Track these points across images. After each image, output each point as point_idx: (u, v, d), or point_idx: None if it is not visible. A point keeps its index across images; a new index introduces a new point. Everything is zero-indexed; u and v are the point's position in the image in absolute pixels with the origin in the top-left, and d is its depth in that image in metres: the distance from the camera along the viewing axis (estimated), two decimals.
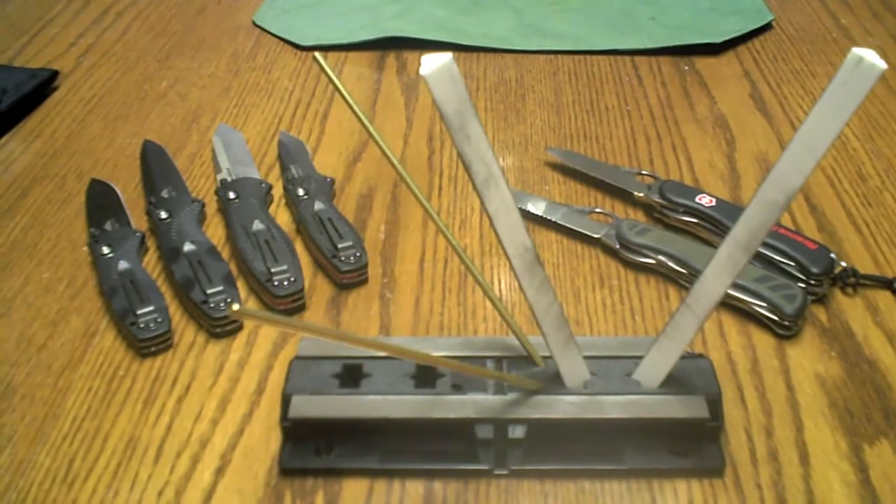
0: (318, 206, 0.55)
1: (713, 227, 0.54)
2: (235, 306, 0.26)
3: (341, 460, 0.41)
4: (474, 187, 0.35)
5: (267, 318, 0.29)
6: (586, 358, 0.41)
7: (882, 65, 0.31)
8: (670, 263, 0.51)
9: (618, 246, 0.53)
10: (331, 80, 0.39)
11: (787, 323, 0.47)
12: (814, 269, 0.49)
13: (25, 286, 0.53)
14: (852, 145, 0.64)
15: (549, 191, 0.60)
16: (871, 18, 0.83)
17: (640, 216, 0.57)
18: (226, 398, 0.45)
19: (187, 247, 0.52)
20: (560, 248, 0.55)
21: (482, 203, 0.35)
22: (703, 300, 0.38)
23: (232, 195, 0.56)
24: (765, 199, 0.35)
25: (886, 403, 0.44)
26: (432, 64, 0.32)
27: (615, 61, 0.76)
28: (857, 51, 0.32)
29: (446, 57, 0.32)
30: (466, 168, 0.35)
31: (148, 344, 0.47)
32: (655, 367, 0.41)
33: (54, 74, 0.74)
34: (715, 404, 0.41)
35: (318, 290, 0.52)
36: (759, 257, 0.51)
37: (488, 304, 0.50)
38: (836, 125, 0.33)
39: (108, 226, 0.55)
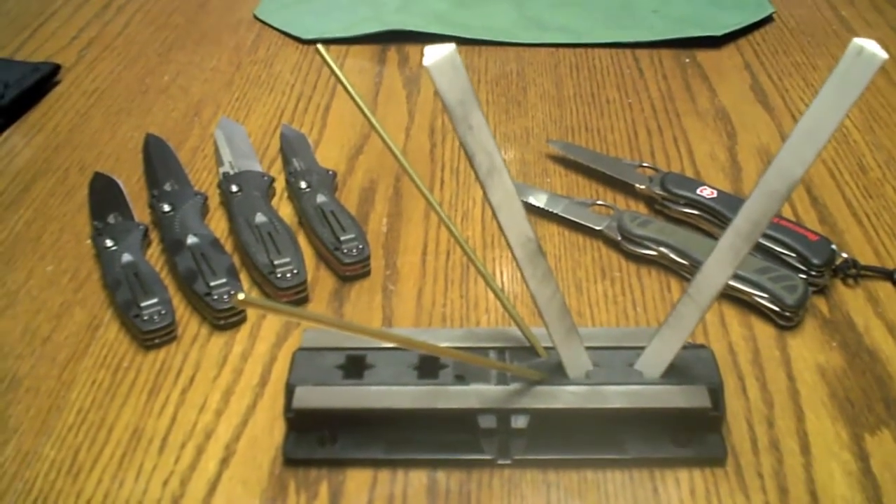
0: (320, 198, 0.55)
1: (714, 218, 0.54)
2: (241, 295, 0.26)
3: (345, 450, 0.41)
4: (477, 178, 0.35)
5: (271, 307, 0.29)
6: (588, 348, 0.41)
7: (883, 55, 0.31)
8: (672, 255, 0.51)
9: (619, 238, 0.53)
10: (332, 71, 0.39)
11: (788, 314, 0.47)
12: (815, 261, 0.50)
13: (29, 279, 0.53)
14: (853, 137, 0.64)
15: (550, 183, 0.60)
16: (871, 10, 0.83)
17: (641, 208, 0.57)
18: (230, 389, 0.45)
19: (190, 239, 0.52)
20: (562, 240, 0.55)
21: (485, 194, 0.36)
22: (704, 290, 0.39)
23: (234, 188, 0.56)
24: (766, 189, 0.35)
25: (887, 393, 0.44)
26: (435, 54, 0.32)
27: (616, 54, 0.77)
28: (857, 41, 0.32)
29: (449, 48, 0.32)
30: (469, 159, 0.35)
31: (152, 336, 0.47)
32: (657, 357, 0.41)
33: (56, 68, 0.74)
34: (716, 394, 0.41)
35: (321, 282, 0.52)
36: (760, 248, 0.51)
37: (491, 295, 0.50)
38: (837, 115, 0.33)
39: (111, 219, 0.55)
